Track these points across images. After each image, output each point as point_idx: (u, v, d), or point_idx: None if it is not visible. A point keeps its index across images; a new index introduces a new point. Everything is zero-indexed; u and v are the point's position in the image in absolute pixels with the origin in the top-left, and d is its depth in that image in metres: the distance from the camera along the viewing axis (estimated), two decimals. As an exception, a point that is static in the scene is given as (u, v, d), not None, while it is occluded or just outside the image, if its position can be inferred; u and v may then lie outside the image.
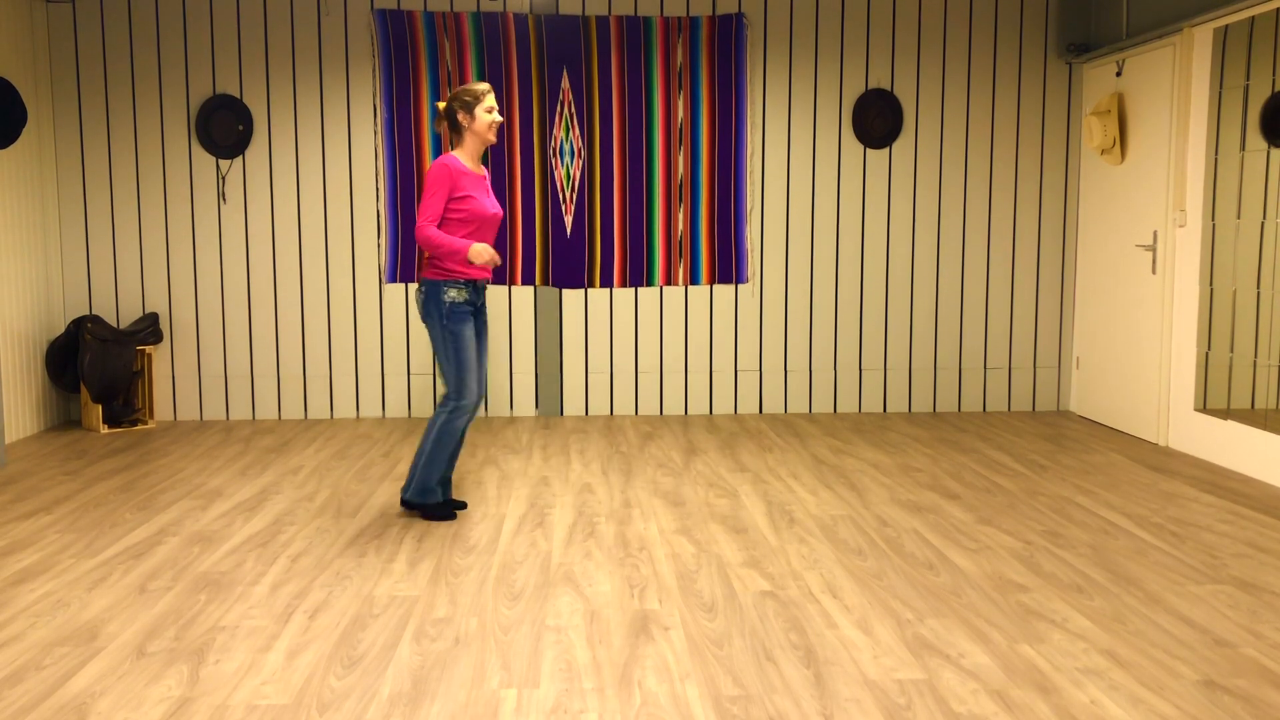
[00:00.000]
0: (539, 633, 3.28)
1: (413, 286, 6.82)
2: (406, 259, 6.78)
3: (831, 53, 6.84)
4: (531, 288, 6.87)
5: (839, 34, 6.84)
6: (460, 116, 4.34)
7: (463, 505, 4.66)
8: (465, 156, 4.38)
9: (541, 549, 4.13)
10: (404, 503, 4.52)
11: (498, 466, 5.53)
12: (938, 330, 7.03)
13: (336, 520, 4.53)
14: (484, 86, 4.35)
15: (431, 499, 4.49)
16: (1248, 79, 5.27)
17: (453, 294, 4.32)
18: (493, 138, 4.39)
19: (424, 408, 6.90)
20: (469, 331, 4.35)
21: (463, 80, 6.66)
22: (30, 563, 3.97)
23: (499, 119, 4.39)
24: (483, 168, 4.48)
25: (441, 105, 4.41)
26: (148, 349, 6.65)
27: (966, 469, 5.44)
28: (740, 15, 6.75)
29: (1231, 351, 5.40)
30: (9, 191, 6.19)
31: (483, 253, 4.27)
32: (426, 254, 4.39)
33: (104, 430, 6.42)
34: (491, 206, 4.40)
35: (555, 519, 4.54)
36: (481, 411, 6.95)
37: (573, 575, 3.82)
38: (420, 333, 6.86)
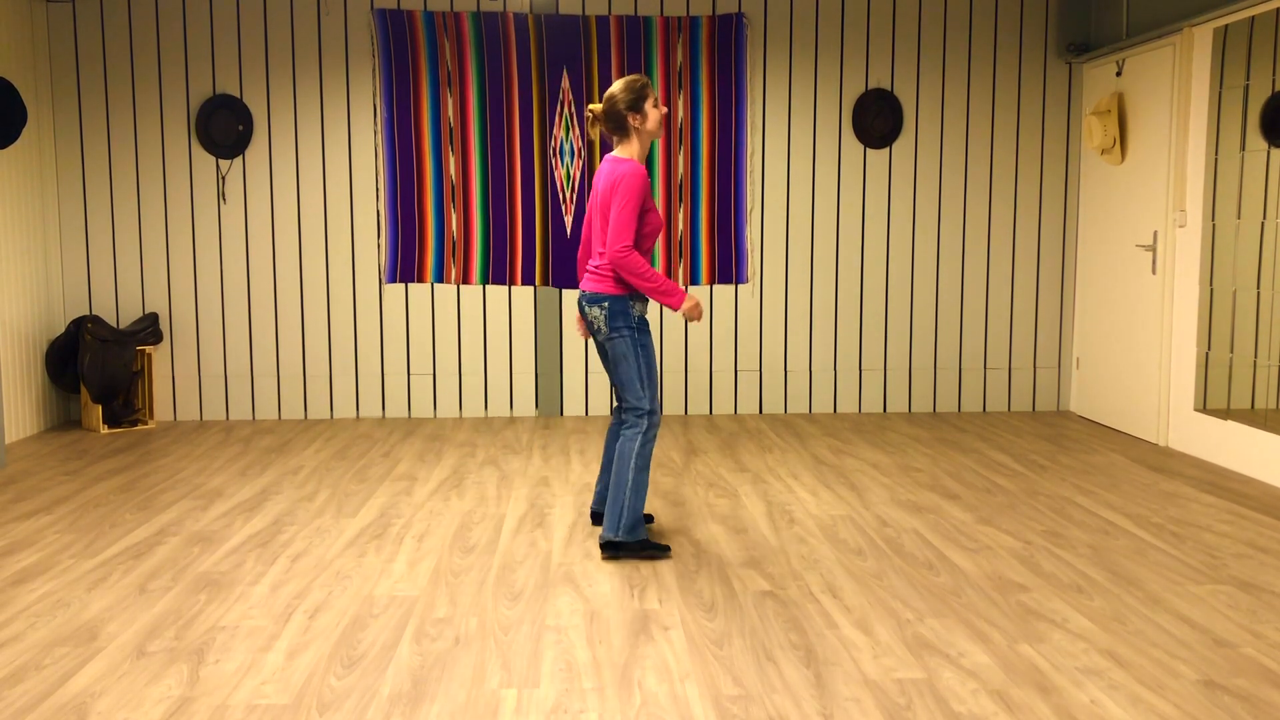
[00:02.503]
0: (539, 633, 3.28)
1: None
2: (406, 259, 6.78)
3: (831, 53, 6.85)
4: (531, 288, 6.87)
5: (839, 34, 6.84)
6: (631, 118, 3.98)
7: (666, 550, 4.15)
8: (639, 156, 4.03)
9: (541, 549, 4.12)
10: (609, 545, 4.01)
11: (498, 466, 5.53)
12: (938, 330, 7.03)
13: (336, 520, 4.53)
14: (643, 79, 3.99)
15: (641, 533, 4.02)
16: (1248, 79, 5.27)
17: (638, 307, 4.02)
18: (662, 133, 4.01)
19: (424, 408, 6.90)
20: (652, 341, 4.08)
21: (463, 80, 6.67)
22: (30, 563, 3.97)
23: (665, 108, 4.00)
24: None
25: (597, 108, 4.06)
26: (148, 349, 6.65)
27: (966, 469, 5.44)
28: (740, 15, 6.75)
29: (1231, 351, 5.40)
30: (9, 191, 6.19)
31: (695, 309, 3.98)
32: (603, 270, 4.01)
33: (104, 430, 6.42)
34: (661, 215, 4.07)
35: (555, 519, 4.54)
36: (482, 411, 6.95)
37: (573, 575, 3.82)
38: (420, 333, 6.86)
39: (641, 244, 4.02)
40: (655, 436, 4.12)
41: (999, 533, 4.32)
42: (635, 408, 4.02)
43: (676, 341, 6.95)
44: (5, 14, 6.15)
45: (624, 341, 4.00)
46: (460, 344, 6.89)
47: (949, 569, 3.87)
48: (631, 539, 4.01)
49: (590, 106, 4.15)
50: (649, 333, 4.07)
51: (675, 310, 4.02)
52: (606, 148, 6.76)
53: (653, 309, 6.91)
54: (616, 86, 4.00)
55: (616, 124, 4.02)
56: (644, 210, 3.97)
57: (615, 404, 4.28)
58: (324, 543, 4.21)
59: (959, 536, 4.27)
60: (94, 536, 4.29)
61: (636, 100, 3.98)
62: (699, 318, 4.04)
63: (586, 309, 4.04)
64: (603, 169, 4.03)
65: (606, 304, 3.99)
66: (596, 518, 4.42)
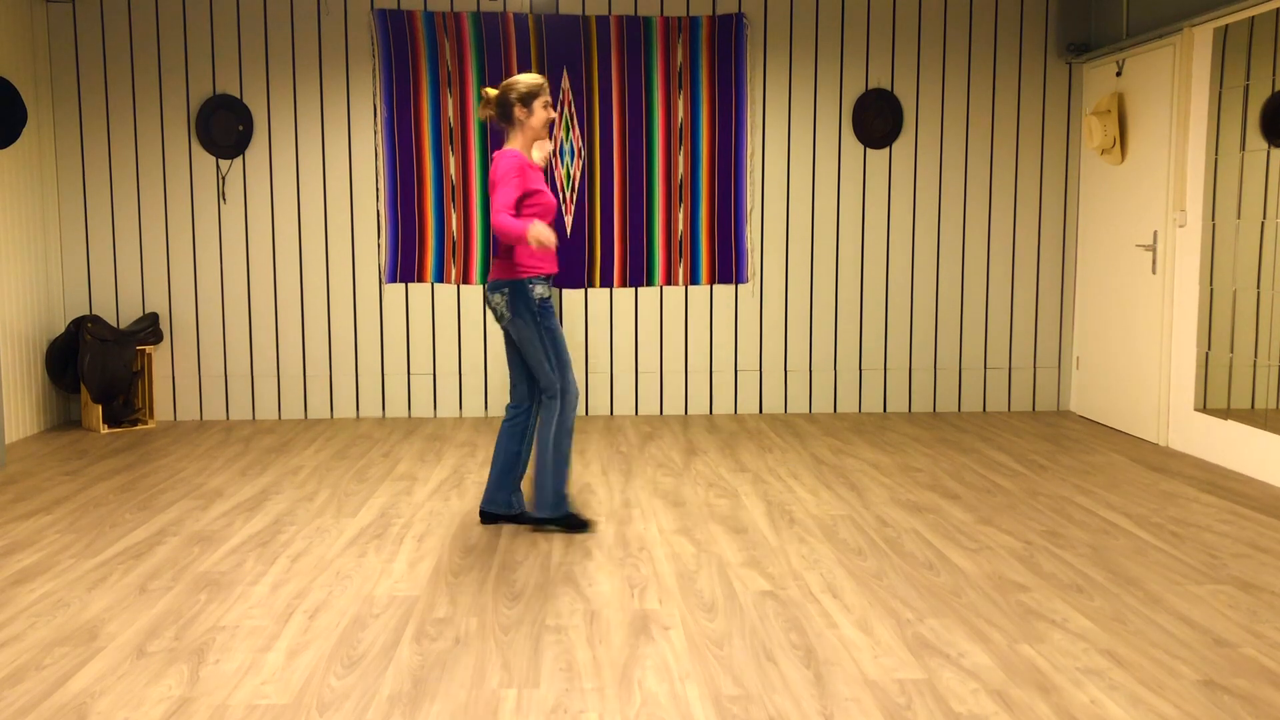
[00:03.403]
0: (539, 633, 3.28)
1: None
2: (406, 259, 6.78)
3: (831, 53, 6.85)
4: (531, 288, 6.86)
5: (839, 34, 6.84)
6: (518, 111, 4.18)
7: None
8: (522, 150, 4.24)
9: (541, 549, 4.13)
10: (538, 520, 4.32)
11: (498, 466, 5.52)
12: (938, 330, 7.03)
13: (336, 520, 4.53)
14: (541, 80, 4.19)
15: (564, 509, 4.30)
16: (1248, 79, 5.27)
17: (539, 290, 4.18)
18: (546, 135, 4.23)
19: (424, 407, 6.90)
20: (558, 325, 4.24)
21: (463, 80, 6.67)
22: (30, 563, 3.97)
23: (554, 114, 4.25)
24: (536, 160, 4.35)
25: (492, 92, 4.24)
26: (148, 349, 6.65)
27: (966, 469, 5.44)
28: (740, 15, 6.75)
29: (1231, 351, 5.40)
30: (9, 191, 6.19)
31: (543, 233, 3.99)
32: (494, 253, 4.22)
33: (104, 430, 6.42)
34: (554, 197, 4.28)
35: (555, 519, 4.54)
36: (482, 411, 6.95)
37: (573, 575, 3.82)
38: (420, 333, 6.86)
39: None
40: (573, 415, 4.27)
41: (999, 533, 4.32)
42: (548, 389, 4.22)
43: (676, 341, 6.96)
44: (5, 14, 6.15)
45: (526, 325, 4.18)
46: (460, 344, 6.89)
47: (949, 569, 3.87)
48: (556, 514, 4.30)
49: (485, 89, 4.35)
50: (553, 315, 4.24)
51: (527, 240, 3.98)
52: (606, 149, 6.76)
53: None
54: (517, 78, 4.19)
55: (504, 111, 4.22)
56: (529, 193, 4.12)
57: (509, 399, 4.44)
58: (324, 543, 4.21)
59: (959, 536, 4.27)
60: (94, 536, 4.29)
61: (529, 96, 4.17)
62: (549, 241, 3.96)
63: (489, 297, 4.24)
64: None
65: (507, 289, 4.17)
66: (486, 517, 4.43)
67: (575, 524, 4.33)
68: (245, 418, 6.87)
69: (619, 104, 6.75)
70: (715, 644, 3.19)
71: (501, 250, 4.22)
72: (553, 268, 4.28)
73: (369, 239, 6.80)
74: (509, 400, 4.35)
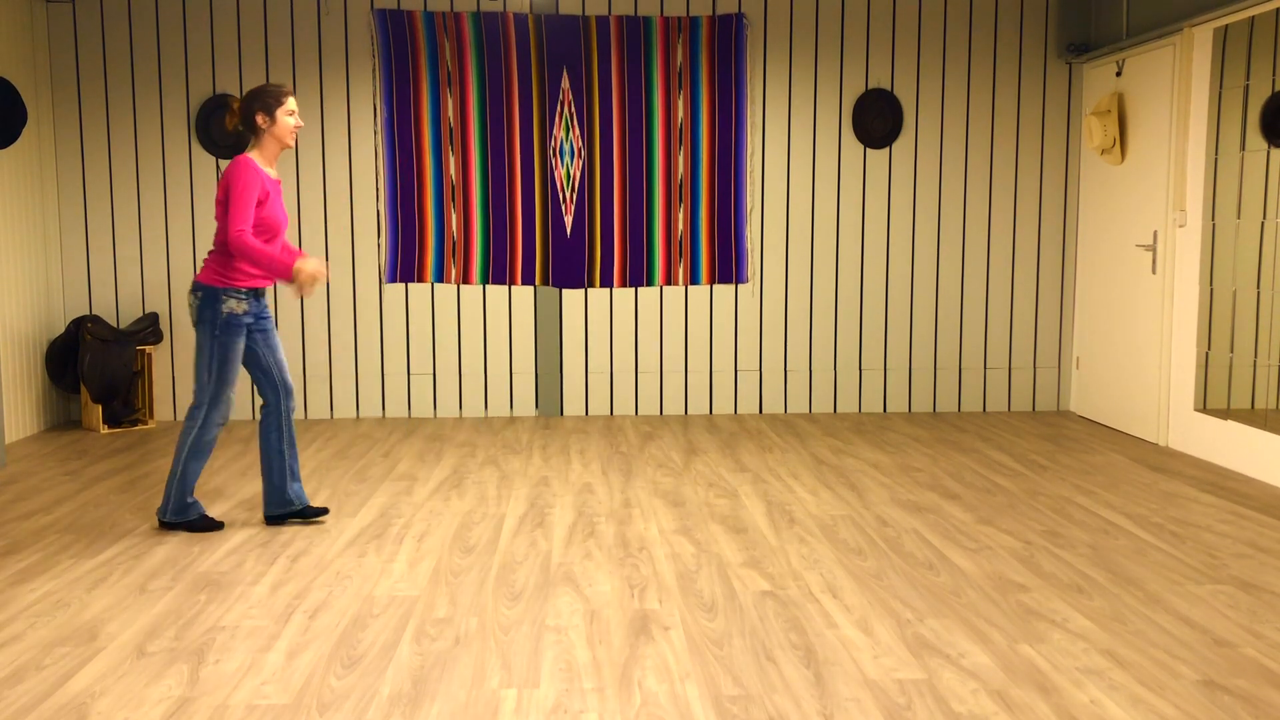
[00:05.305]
0: (539, 633, 3.28)
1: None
2: (406, 259, 6.78)
3: (831, 53, 6.85)
4: (531, 288, 6.87)
5: (839, 34, 6.84)
6: (259, 118, 4.16)
7: (323, 511, 4.50)
8: (262, 159, 4.22)
9: (541, 549, 4.13)
10: (164, 524, 4.35)
11: (498, 466, 5.53)
12: (938, 330, 7.04)
13: (335, 520, 4.53)
14: (286, 88, 4.21)
15: (192, 514, 4.32)
16: (1248, 79, 5.27)
17: (231, 304, 4.18)
18: (291, 142, 4.23)
19: (424, 408, 6.90)
20: (240, 346, 4.22)
21: (463, 80, 6.67)
22: (30, 563, 3.97)
23: (300, 123, 4.24)
24: (276, 173, 4.29)
25: (237, 100, 4.23)
26: (148, 349, 6.65)
27: (966, 469, 5.44)
28: (740, 15, 6.75)
29: (1231, 351, 5.40)
30: (9, 191, 6.19)
31: (306, 270, 4.07)
32: (213, 256, 4.22)
33: (104, 430, 6.42)
34: (283, 216, 4.27)
35: (555, 519, 4.54)
36: (481, 411, 6.95)
37: (573, 575, 3.82)
38: (419, 333, 6.86)
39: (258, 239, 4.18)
40: (214, 433, 4.30)
41: (999, 533, 4.32)
42: (197, 399, 4.26)
43: (677, 341, 6.96)
44: (5, 14, 6.15)
45: (204, 334, 4.20)
46: (460, 344, 6.89)
47: (949, 569, 3.87)
48: (182, 519, 4.33)
49: (231, 97, 4.42)
50: (239, 337, 4.21)
51: (287, 282, 4.10)
52: (606, 149, 6.76)
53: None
54: (262, 85, 4.23)
55: (246, 118, 4.22)
56: (258, 204, 4.14)
57: (262, 400, 4.47)
58: (324, 543, 4.21)
59: (959, 536, 4.27)
60: (94, 536, 4.29)
61: (271, 103, 4.17)
62: (310, 284, 4.08)
63: (187, 296, 4.26)
64: None
65: (200, 294, 4.19)
66: (272, 520, 4.45)
67: (207, 525, 4.34)
68: (245, 418, 6.87)
69: (619, 104, 6.75)
70: (715, 644, 3.19)
71: (216, 251, 4.21)
72: (264, 282, 4.27)
73: (369, 239, 6.80)
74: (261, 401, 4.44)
